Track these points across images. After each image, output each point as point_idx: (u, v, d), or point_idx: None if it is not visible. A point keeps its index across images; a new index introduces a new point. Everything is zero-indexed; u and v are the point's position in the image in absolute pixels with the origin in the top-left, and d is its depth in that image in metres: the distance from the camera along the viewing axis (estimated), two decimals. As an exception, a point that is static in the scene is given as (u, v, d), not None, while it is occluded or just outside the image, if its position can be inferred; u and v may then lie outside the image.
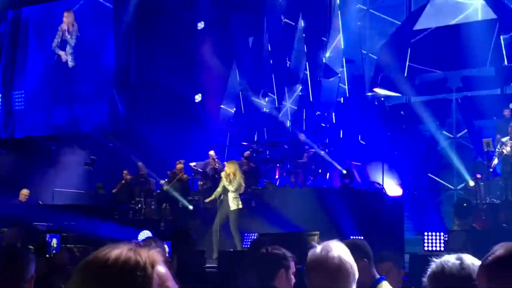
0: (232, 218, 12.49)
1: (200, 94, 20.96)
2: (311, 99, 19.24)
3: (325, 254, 2.80)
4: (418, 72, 17.35)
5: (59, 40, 22.19)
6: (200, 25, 20.98)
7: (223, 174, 12.70)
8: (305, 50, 19.33)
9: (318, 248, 2.84)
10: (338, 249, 2.83)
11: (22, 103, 23.01)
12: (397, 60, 17.53)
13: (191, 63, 20.63)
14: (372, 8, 18.81)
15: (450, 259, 2.33)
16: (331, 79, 19.15)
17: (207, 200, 13.61)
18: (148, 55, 20.59)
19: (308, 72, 19.31)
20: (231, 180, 12.48)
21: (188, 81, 20.22)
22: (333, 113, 18.65)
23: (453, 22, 16.99)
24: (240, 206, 12.55)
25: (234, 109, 20.92)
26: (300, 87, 19.89)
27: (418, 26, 17.48)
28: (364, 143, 17.48)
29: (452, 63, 17.02)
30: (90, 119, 21.45)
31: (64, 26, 22.10)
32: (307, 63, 19.41)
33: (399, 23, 18.28)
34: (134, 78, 21.20)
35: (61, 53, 22.15)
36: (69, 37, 22.02)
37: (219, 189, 12.87)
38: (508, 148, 13.23)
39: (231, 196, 12.47)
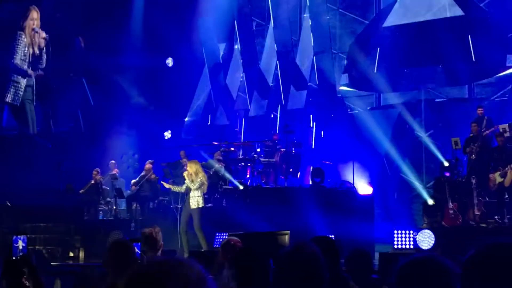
0: (194, 217, 12.47)
1: (171, 59, 20.72)
2: (282, 102, 19.26)
3: (294, 252, 2.82)
4: (388, 69, 17.46)
5: (28, 58, 18.91)
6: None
7: (185, 173, 12.67)
8: (276, 49, 19.32)
9: (289, 247, 2.86)
10: (308, 248, 2.84)
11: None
12: (367, 58, 17.64)
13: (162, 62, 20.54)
14: (342, 7, 18.90)
15: (420, 257, 2.34)
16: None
17: (168, 186, 13.56)
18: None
19: (279, 73, 19.33)
20: (193, 180, 12.44)
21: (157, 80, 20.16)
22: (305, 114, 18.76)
23: (422, 19, 17.13)
24: (201, 205, 12.51)
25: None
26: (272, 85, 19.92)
27: (387, 23, 17.60)
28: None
29: (421, 60, 17.17)
30: (61, 118, 21.14)
31: (28, 37, 18.76)
32: (278, 62, 19.42)
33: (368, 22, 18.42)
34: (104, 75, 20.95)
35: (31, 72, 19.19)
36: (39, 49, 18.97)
37: (182, 188, 12.85)
38: (473, 156, 13.49)
39: (192, 194, 12.45)
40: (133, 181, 16.12)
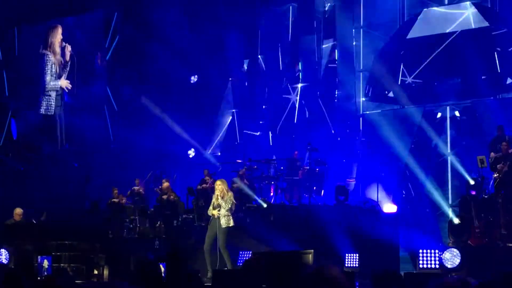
0: (222, 236, 12.36)
1: (195, 78, 20.80)
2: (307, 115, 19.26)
3: (316, 274, 2.80)
4: (412, 82, 17.34)
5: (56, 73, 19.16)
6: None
7: (216, 194, 12.55)
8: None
9: (311, 268, 2.84)
10: (331, 270, 2.82)
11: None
12: (390, 71, 17.52)
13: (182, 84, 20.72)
14: (366, 26, 18.88)
15: (452, 281, 2.28)
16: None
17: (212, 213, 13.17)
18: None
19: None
20: (224, 199, 12.39)
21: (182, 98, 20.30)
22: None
23: (446, 31, 17.02)
24: (231, 225, 12.44)
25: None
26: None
27: (411, 35, 17.51)
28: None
29: (445, 72, 17.02)
30: (85, 136, 21.36)
31: (53, 54, 19.08)
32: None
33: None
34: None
35: (63, 82, 19.07)
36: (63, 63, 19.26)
37: (211, 208, 12.72)
38: (501, 175, 13.25)
39: (223, 213, 12.37)
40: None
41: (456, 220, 13.07)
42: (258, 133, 20.24)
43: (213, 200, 12.66)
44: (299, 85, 19.72)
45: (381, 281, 4.88)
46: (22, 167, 20.84)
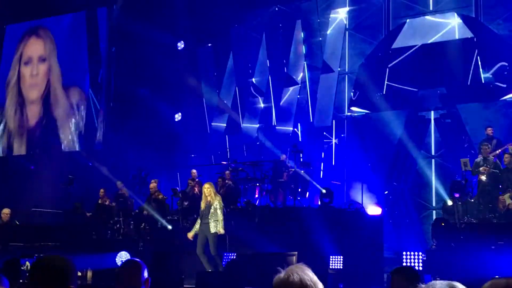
0: (213, 241, 12.24)
1: (179, 114, 20.95)
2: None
3: (286, 278, 2.80)
4: (397, 90, 17.46)
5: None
6: (180, 45, 21.03)
7: (208, 198, 12.33)
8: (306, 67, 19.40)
9: (282, 273, 2.84)
10: (300, 273, 2.82)
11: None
12: (375, 78, 17.65)
13: (170, 81, 20.64)
14: (351, 28, 18.97)
15: (440, 286, 2.26)
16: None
17: (190, 234, 13.04)
18: (127, 74, 20.59)
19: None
20: (217, 203, 12.25)
21: (167, 100, 20.23)
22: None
23: (430, 41, 17.18)
24: (222, 232, 12.28)
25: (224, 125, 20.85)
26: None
27: (396, 45, 17.65)
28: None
29: (430, 82, 17.16)
30: (67, 138, 21.31)
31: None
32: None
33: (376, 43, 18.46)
34: (114, 96, 21.11)
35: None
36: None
37: (197, 225, 12.60)
38: (484, 177, 13.31)
39: (214, 218, 12.20)
40: (144, 207, 15.95)
41: (439, 223, 13.10)
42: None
43: (202, 205, 12.46)
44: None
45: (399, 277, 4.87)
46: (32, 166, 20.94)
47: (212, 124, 20.90)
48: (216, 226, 12.15)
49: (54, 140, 21.50)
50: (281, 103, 19.89)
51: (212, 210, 12.17)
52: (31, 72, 22.40)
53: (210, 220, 12.15)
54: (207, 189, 12.36)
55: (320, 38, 19.31)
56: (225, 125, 20.73)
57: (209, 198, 12.24)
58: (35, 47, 22.54)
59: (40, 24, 22.68)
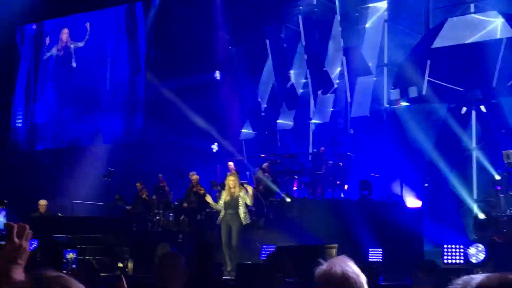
0: (237, 233, 12.43)
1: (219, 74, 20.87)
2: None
3: (328, 269, 2.80)
4: (438, 86, 17.16)
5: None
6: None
7: (234, 189, 12.54)
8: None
9: (324, 265, 2.84)
10: (343, 264, 2.81)
11: (43, 115, 23.23)
12: (416, 77, 17.38)
13: (210, 76, 20.68)
14: (390, 19, 18.74)
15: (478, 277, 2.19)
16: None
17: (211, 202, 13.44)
18: (165, 68, 20.71)
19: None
20: (242, 195, 12.42)
21: (206, 94, 20.28)
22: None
23: (471, 40, 16.83)
24: (249, 221, 12.54)
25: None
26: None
27: (436, 44, 17.34)
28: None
29: (471, 81, 16.85)
30: (108, 132, 21.60)
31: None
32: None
33: (418, 35, 18.18)
34: (152, 89, 21.26)
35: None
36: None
37: (221, 203, 12.79)
38: None
39: (242, 210, 12.39)
40: (184, 202, 16.06)
41: (481, 215, 12.96)
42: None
43: (224, 195, 12.63)
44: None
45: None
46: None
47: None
48: (245, 217, 12.34)
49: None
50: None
51: (240, 202, 12.29)
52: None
53: (239, 211, 12.29)
54: (232, 181, 12.55)
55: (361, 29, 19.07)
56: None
57: (233, 190, 12.41)
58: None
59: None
